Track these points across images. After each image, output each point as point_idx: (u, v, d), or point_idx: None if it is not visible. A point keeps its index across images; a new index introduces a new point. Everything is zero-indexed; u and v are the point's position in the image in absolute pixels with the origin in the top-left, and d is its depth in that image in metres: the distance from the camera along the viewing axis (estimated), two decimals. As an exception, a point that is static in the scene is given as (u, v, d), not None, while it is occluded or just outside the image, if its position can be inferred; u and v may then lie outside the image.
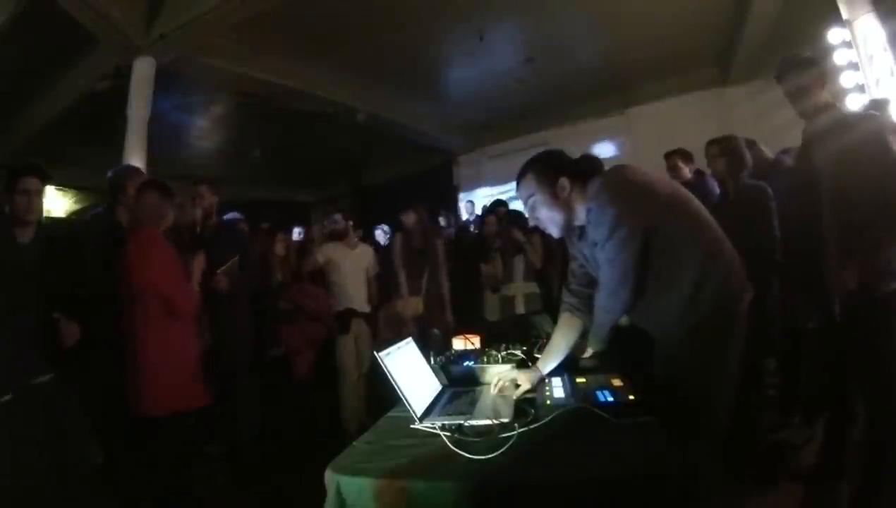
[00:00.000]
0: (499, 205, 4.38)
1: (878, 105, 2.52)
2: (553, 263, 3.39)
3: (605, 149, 6.79)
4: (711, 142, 2.53)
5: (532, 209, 1.51)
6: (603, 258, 1.39)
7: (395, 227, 3.76)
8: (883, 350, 1.70)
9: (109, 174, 2.52)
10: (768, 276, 2.20)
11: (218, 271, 2.65)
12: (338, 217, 3.55)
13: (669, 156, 3.27)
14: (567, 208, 1.46)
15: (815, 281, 1.86)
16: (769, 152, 2.78)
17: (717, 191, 2.72)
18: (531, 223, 1.57)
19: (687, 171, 3.17)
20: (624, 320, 1.51)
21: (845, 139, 1.71)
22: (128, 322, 2.04)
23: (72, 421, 1.90)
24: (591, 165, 1.50)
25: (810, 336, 2.41)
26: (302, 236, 4.72)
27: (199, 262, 2.32)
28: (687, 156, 3.22)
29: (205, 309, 2.42)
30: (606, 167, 1.55)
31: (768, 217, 2.31)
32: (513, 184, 1.59)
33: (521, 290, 3.45)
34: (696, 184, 2.94)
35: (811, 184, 1.84)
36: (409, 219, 3.63)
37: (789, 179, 2.21)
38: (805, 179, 1.90)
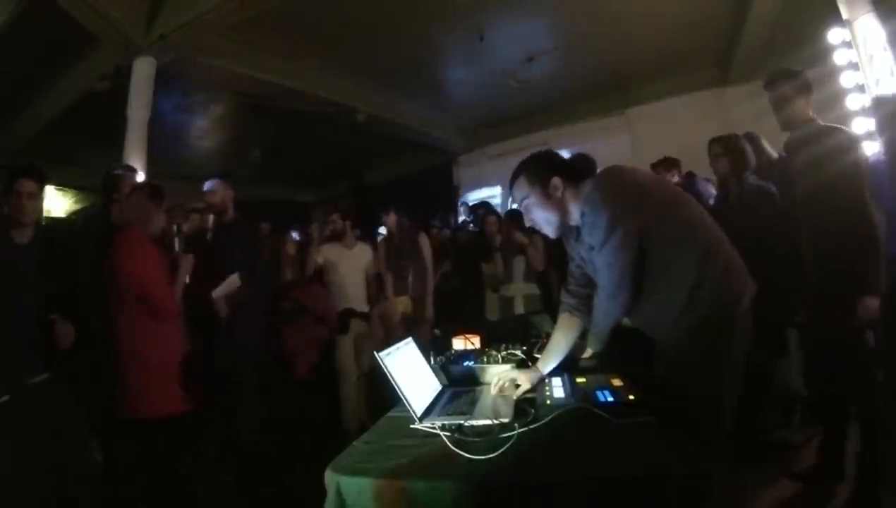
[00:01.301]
0: (482, 207, 4.41)
1: (882, 101, 2.52)
2: (553, 264, 3.39)
3: (605, 149, 6.77)
4: (714, 141, 2.53)
5: (527, 211, 1.50)
6: (600, 262, 1.39)
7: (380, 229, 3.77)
8: (857, 348, 1.76)
9: (107, 173, 2.52)
10: (774, 278, 2.21)
11: (214, 293, 2.65)
12: (335, 217, 3.55)
13: (654, 167, 3.29)
14: (561, 208, 1.45)
15: (793, 281, 1.93)
16: (771, 148, 2.78)
17: (710, 192, 2.72)
18: (527, 224, 1.57)
19: (670, 177, 3.19)
20: (625, 320, 1.51)
21: (816, 149, 1.83)
22: (114, 322, 2.03)
23: (69, 421, 1.90)
24: (584, 165, 1.51)
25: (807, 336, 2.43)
26: (299, 238, 4.71)
27: (186, 263, 2.30)
28: (672, 165, 3.23)
29: (187, 313, 2.38)
30: (595, 163, 1.56)
31: (773, 218, 2.30)
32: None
33: (520, 291, 3.44)
34: (686, 187, 2.94)
35: (788, 191, 1.92)
36: (390, 220, 3.63)
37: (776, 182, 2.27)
38: (784, 185, 1.98)
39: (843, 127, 1.86)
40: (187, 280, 2.34)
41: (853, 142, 1.82)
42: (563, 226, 1.49)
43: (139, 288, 2.00)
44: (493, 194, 7.63)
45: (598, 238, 1.36)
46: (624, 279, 1.35)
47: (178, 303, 2.21)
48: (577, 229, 1.48)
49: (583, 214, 1.40)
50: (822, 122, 1.92)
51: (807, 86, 1.93)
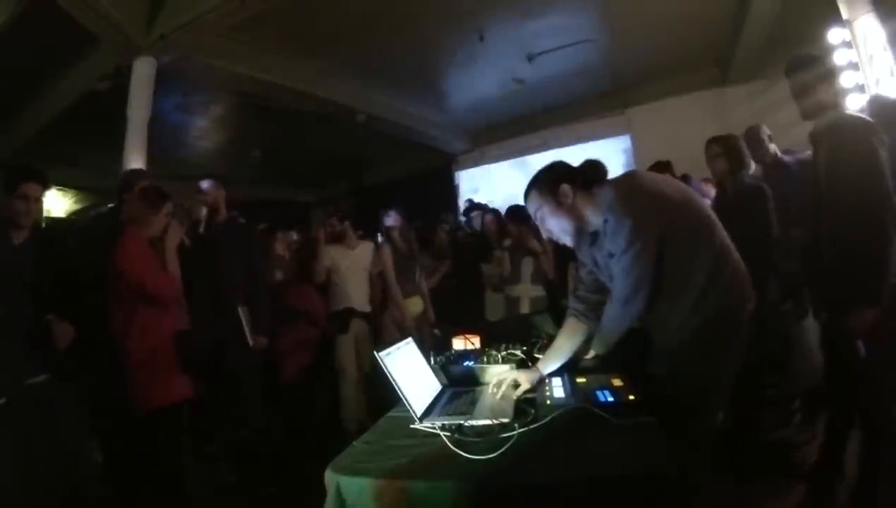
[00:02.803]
0: (475, 208, 4.39)
1: (880, 101, 2.52)
2: (557, 268, 3.38)
3: (604, 149, 6.79)
4: (712, 141, 2.52)
5: (542, 222, 1.51)
6: (618, 268, 1.39)
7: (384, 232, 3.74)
8: (851, 353, 1.74)
9: (121, 175, 2.54)
10: (765, 278, 2.20)
11: (247, 333, 2.68)
12: (334, 220, 3.55)
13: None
14: (574, 214, 1.45)
15: (812, 277, 1.90)
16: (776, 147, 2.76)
17: (708, 193, 2.71)
18: (544, 236, 1.59)
19: None
20: None
21: (836, 139, 1.75)
22: (114, 317, 2.03)
23: (68, 422, 1.90)
24: (594, 171, 1.51)
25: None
26: (295, 238, 4.69)
27: (174, 233, 2.26)
28: (665, 168, 3.18)
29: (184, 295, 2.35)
30: (606, 168, 1.56)
31: (766, 218, 2.31)
32: (513, 184, 1.60)
33: (527, 293, 3.42)
34: None
35: (814, 183, 1.87)
36: (390, 220, 3.61)
37: (801, 177, 2.22)
38: (809, 178, 1.94)
39: (869, 120, 1.77)
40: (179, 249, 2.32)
41: (878, 141, 1.71)
42: (579, 233, 1.49)
43: (137, 283, 2.01)
44: (493, 194, 7.62)
45: (619, 245, 1.36)
46: (640, 287, 1.35)
47: (178, 286, 2.22)
48: (592, 235, 1.48)
49: (605, 221, 1.40)
50: (847, 111, 1.83)
51: (829, 73, 1.86)
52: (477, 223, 4.31)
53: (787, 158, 2.67)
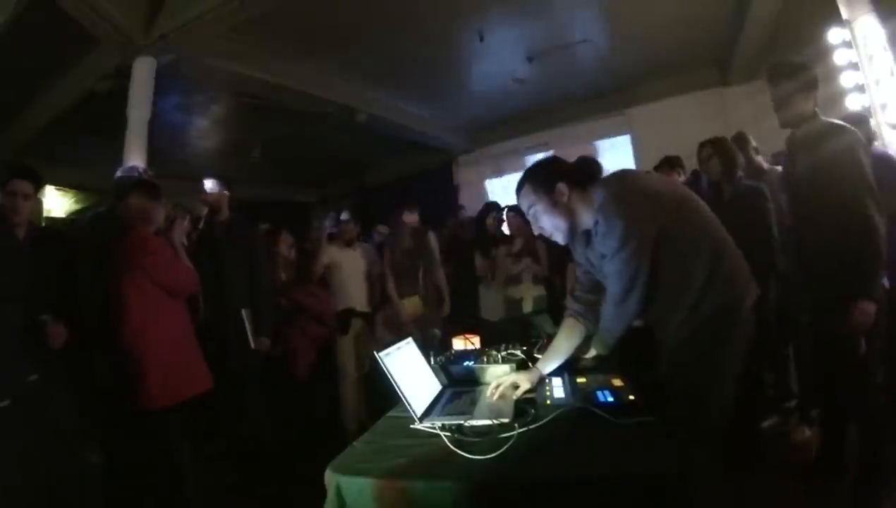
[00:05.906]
0: (491, 208, 4.38)
1: (856, 118, 2.53)
2: (557, 269, 3.38)
3: (605, 149, 6.79)
4: (703, 145, 2.54)
5: (534, 219, 1.49)
6: (611, 269, 1.38)
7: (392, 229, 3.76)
8: (851, 350, 1.75)
9: (118, 174, 2.53)
10: (766, 278, 2.21)
11: (249, 334, 2.70)
12: (346, 217, 3.56)
13: (657, 168, 3.23)
14: (569, 213, 1.44)
15: (800, 280, 1.93)
16: (762, 157, 2.79)
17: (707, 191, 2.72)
18: (535, 232, 1.57)
19: (675, 177, 3.15)
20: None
21: (820, 150, 1.78)
22: (124, 314, 2.03)
23: (64, 421, 1.90)
24: (589, 168, 1.50)
25: (802, 334, 2.45)
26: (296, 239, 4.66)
27: (180, 227, 2.36)
28: (675, 164, 3.17)
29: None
30: (607, 169, 1.55)
31: (766, 218, 2.31)
32: (513, 184, 1.59)
33: (529, 293, 3.42)
34: (692, 185, 2.93)
35: (793, 191, 1.90)
36: (412, 218, 3.62)
37: (778, 185, 2.26)
38: (789, 186, 1.96)
39: (847, 125, 1.80)
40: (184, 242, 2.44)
41: (857, 141, 1.75)
42: (573, 232, 1.48)
43: (159, 275, 2.05)
44: (492, 194, 7.62)
45: (610, 246, 1.36)
46: (633, 288, 1.34)
47: (195, 277, 2.27)
48: (586, 235, 1.48)
49: (596, 222, 1.39)
50: (825, 119, 1.84)
51: (811, 83, 1.86)
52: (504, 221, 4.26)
53: (765, 166, 2.70)
